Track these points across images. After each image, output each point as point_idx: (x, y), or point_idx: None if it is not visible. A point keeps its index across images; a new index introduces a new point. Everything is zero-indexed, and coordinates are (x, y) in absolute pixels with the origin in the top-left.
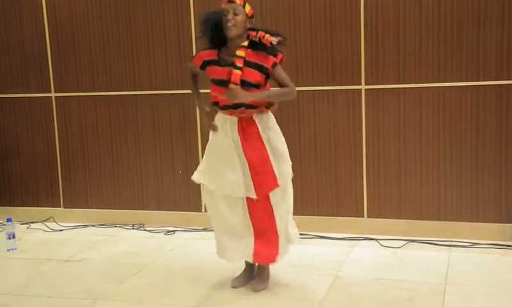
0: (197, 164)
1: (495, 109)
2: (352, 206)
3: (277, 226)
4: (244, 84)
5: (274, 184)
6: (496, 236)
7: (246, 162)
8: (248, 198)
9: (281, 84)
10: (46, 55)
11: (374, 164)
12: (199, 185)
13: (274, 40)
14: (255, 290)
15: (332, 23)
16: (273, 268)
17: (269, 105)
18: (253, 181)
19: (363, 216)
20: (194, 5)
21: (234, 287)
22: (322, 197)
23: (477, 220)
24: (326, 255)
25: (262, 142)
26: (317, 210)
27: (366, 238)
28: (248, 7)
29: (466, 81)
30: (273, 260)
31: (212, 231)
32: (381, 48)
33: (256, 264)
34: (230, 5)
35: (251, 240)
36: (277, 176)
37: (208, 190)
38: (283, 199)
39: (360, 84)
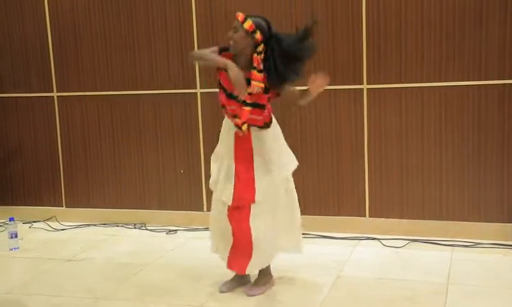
0: (199, 163)
1: (497, 109)
2: (354, 206)
3: (253, 239)
4: (251, 105)
5: (250, 198)
6: (498, 236)
7: (233, 169)
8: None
9: (291, 93)
10: (48, 55)
11: (376, 164)
12: (201, 185)
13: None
14: (248, 295)
15: (334, 22)
16: (275, 267)
17: (263, 126)
18: (234, 188)
19: (365, 216)
20: (195, 5)
21: (222, 292)
22: (324, 197)
23: (479, 220)
24: (328, 255)
25: (252, 153)
26: (319, 210)
27: (368, 238)
28: (247, 23)
29: (468, 80)
30: (243, 271)
31: None
32: (383, 48)
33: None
34: (234, 21)
35: (229, 246)
36: (258, 191)
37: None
38: (267, 213)
39: (361, 83)
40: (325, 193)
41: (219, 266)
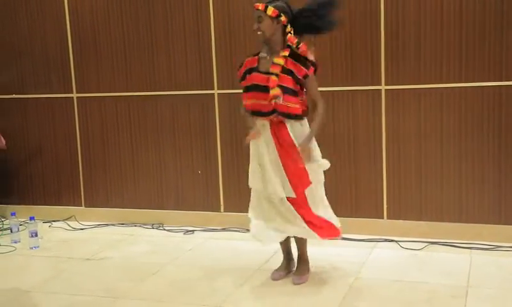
0: (216, 164)
1: None
2: (372, 208)
3: (314, 213)
4: (281, 88)
5: (307, 183)
6: None
7: (281, 164)
8: (288, 197)
9: (311, 97)
10: (68, 57)
11: (394, 165)
12: (218, 186)
13: (311, 56)
14: (294, 283)
15: (352, 22)
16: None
17: (303, 115)
18: (290, 182)
19: (382, 217)
20: (213, 6)
21: (274, 279)
22: (341, 198)
23: (499, 223)
24: (346, 256)
25: (294, 144)
26: (336, 211)
27: (386, 240)
28: (270, 10)
29: (489, 81)
30: (337, 234)
31: (230, 231)
32: (402, 48)
33: (296, 258)
34: (255, 12)
35: (303, 224)
36: (310, 174)
37: (253, 189)
38: (315, 193)
39: (379, 84)
40: (343, 194)
41: (237, 266)
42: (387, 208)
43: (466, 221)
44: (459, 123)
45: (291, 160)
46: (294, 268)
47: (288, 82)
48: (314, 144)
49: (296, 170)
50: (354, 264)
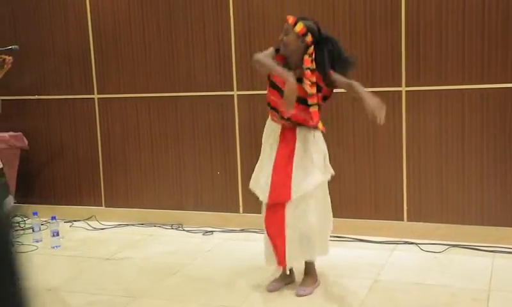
0: (235, 165)
1: None
2: (392, 209)
3: (286, 236)
4: (301, 101)
5: (286, 196)
6: None
7: (272, 164)
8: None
9: (342, 81)
10: (89, 59)
11: (415, 167)
12: (237, 187)
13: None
14: (296, 295)
15: (372, 22)
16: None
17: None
18: (270, 186)
19: (402, 219)
20: (233, 8)
21: (269, 291)
22: (361, 199)
23: None
24: (365, 258)
25: (293, 153)
26: (355, 213)
27: (406, 242)
28: (299, 26)
29: (511, 83)
30: (278, 265)
31: (249, 232)
32: (423, 48)
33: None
34: (285, 24)
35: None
36: (294, 189)
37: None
38: (305, 213)
39: (400, 85)
40: (362, 196)
41: (256, 267)
42: (407, 210)
43: (488, 224)
44: (481, 124)
45: (282, 166)
46: (293, 280)
47: (311, 98)
48: (321, 156)
49: (281, 176)
50: (373, 266)
